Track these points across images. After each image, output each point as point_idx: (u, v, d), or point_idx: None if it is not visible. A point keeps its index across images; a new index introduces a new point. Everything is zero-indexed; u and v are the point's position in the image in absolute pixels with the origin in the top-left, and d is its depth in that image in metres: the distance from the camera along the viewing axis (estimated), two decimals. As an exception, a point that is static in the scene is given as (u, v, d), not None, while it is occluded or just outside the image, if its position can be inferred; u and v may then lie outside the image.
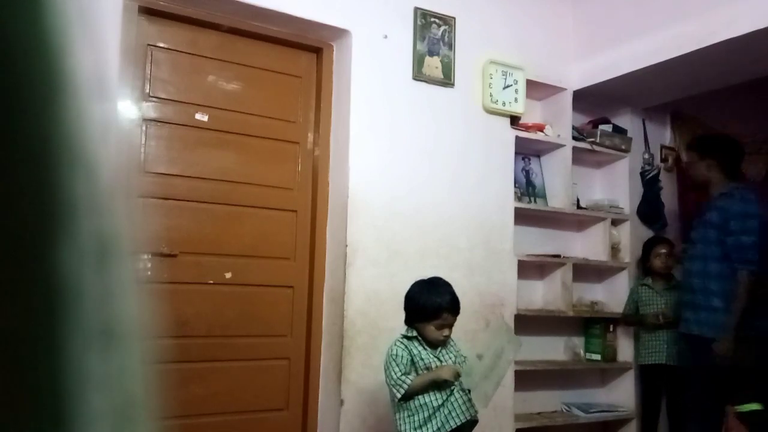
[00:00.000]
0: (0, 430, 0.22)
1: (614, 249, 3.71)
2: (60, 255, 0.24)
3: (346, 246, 2.81)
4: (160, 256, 2.57)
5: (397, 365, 2.22)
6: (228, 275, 2.74)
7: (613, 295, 3.74)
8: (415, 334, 2.28)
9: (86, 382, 0.24)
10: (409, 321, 2.31)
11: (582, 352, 3.70)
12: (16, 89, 0.23)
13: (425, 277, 2.37)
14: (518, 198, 3.38)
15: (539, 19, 3.49)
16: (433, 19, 3.10)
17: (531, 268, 3.48)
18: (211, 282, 2.71)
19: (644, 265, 3.70)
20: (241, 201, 2.80)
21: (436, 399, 2.21)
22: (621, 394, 3.69)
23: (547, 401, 3.55)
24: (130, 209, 0.28)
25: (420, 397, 2.21)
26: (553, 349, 3.60)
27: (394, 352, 2.25)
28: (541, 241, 3.57)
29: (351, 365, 2.77)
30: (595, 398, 3.69)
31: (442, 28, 3.12)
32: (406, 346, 2.26)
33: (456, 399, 2.23)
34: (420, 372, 2.23)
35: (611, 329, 3.68)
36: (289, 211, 2.93)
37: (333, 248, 2.91)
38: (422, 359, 2.25)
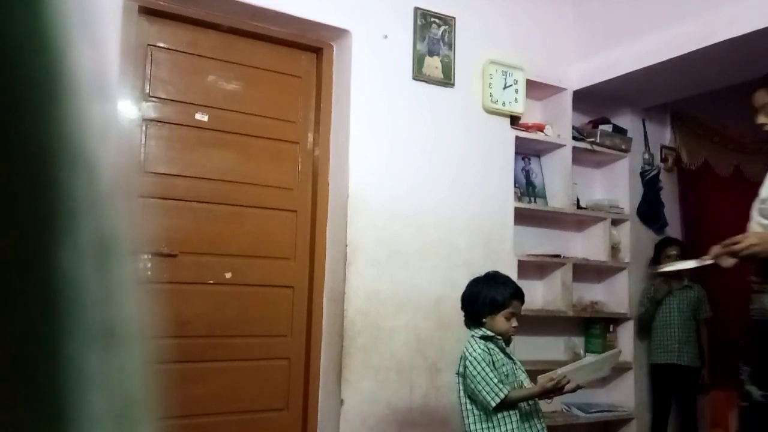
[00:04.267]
0: (0, 430, 0.22)
1: (614, 249, 3.71)
2: (60, 255, 0.24)
3: (346, 246, 2.81)
4: (160, 256, 2.57)
5: (491, 370, 2.06)
6: (228, 275, 2.74)
7: (613, 295, 3.74)
8: (491, 333, 2.16)
9: (86, 382, 0.24)
10: (476, 319, 2.19)
11: (582, 352, 3.69)
12: (16, 89, 0.23)
13: (479, 275, 2.28)
14: (518, 198, 3.38)
15: (539, 19, 3.49)
16: (433, 19, 3.10)
17: (531, 268, 3.48)
18: (211, 282, 2.71)
19: (655, 266, 3.71)
20: (241, 201, 2.80)
21: (516, 414, 2.10)
22: (621, 394, 3.69)
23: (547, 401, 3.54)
24: (130, 209, 0.28)
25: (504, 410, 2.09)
26: (553, 349, 3.60)
27: (478, 353, 2.09)
28: (541, 241, 3.57)
29: (351, 365, 2.77)
30: (595, 398, 3.69)
31: (442, 28, 3.12)
32: (487, 349, 2.12)
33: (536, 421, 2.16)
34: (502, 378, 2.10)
35: (611, 329, 3.69)
36: (289, 211, 2.93)
37: (333, 248, 2.91)
38: (504, 365, 2.12)
